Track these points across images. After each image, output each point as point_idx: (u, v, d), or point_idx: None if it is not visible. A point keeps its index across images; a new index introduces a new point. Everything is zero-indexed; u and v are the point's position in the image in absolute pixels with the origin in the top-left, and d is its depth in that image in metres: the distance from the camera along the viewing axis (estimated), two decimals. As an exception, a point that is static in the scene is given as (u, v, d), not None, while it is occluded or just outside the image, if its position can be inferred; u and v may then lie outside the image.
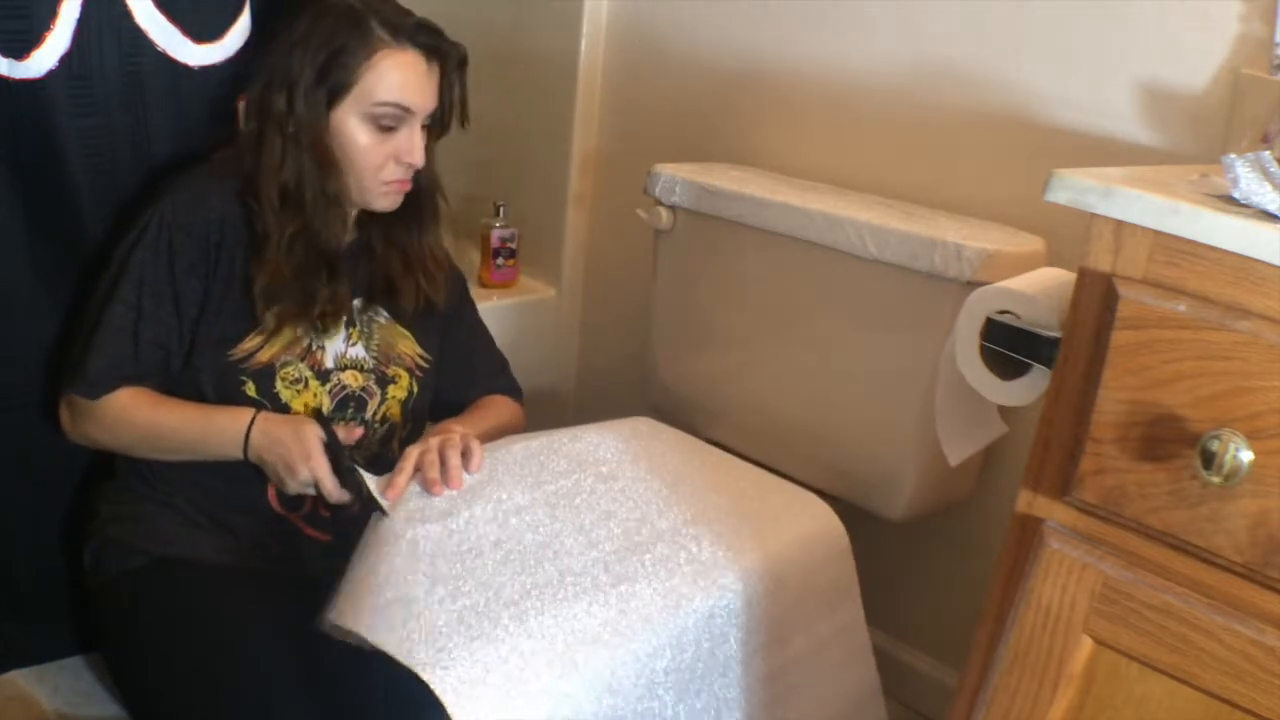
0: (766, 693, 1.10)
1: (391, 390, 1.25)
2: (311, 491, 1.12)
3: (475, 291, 1.88)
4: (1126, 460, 0.71)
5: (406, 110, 1.16)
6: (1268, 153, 0.70)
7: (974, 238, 1.18)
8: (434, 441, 1.13)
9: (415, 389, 1.27)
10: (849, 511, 1.36)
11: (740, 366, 1.44)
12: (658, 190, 1.46)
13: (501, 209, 1.88)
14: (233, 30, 1.25)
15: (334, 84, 1.15)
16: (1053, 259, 1.22)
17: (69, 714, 1.27)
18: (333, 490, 1.10)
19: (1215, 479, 0.65)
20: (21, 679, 1.31)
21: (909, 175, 1.43)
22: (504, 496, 1.10)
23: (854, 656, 1.23)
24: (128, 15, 1.16)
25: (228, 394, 1.16)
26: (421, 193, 1.26)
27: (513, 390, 1.41)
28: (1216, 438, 0.65)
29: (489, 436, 1.22)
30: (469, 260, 2.00)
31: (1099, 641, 0.75)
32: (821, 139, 1.52)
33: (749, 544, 1.09)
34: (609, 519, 1.10)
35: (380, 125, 1.16)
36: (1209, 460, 0.65)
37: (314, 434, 1.11)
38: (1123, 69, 1.21)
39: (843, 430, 1.33)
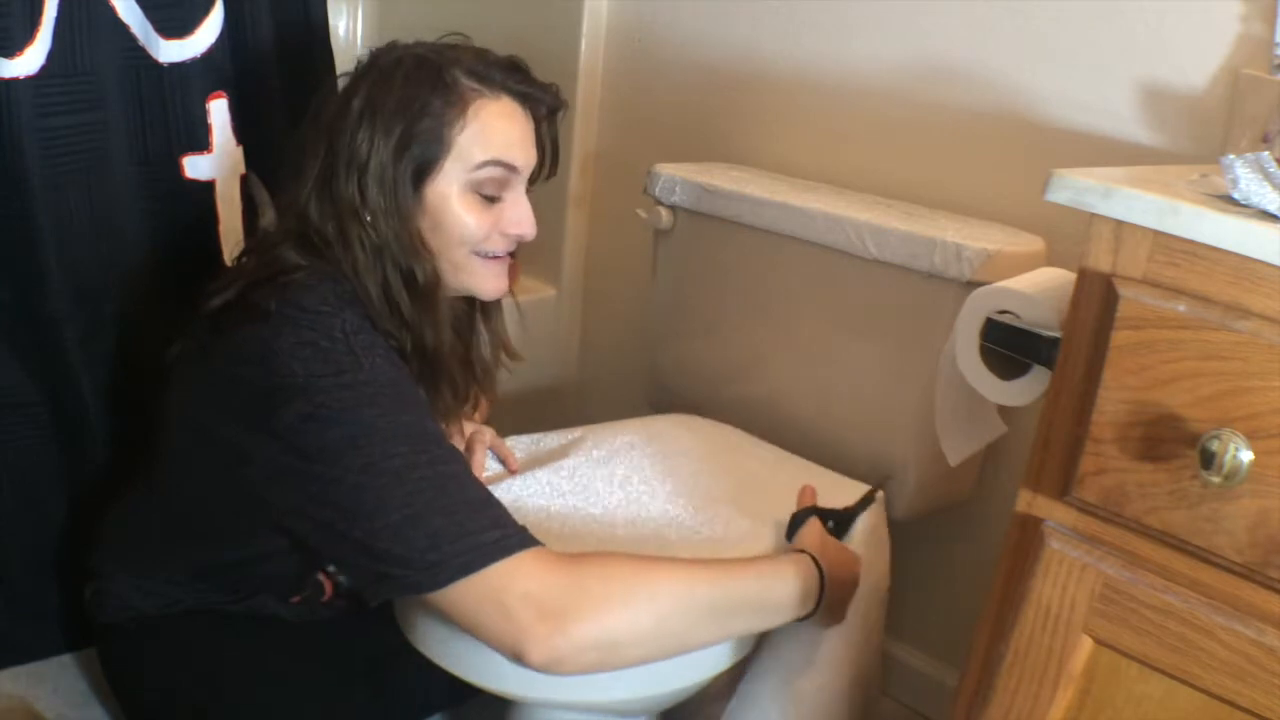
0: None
1: None
2: None
3: (475, 291, 1.89)
4: (1126, 460, 0.71)
5: (512, 169, 1.00)
6: (1267, 153, 0.70)
7: (974, 238, 1.18)
8: (468, 428, 1.13)
9: None
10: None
11: (740, 366, 1.44)
12: (658, 190, 1.46)
13: (501, 209, 1.88)
14: (204, 25, 1.24)
15: (420, 156, 0.95)
16: (1053, 259, 1.22)
17: (68, 714, 1.27)
18: None
19: (1215, 479, 0.65)
20: (21, 679, 1.31)
21: (909, 175, 1.43)
22: (521, 490, 1.11)
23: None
24: (109, 10, 1.16)
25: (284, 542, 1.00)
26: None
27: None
28: (1216, 438, 0.65)
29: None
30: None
31: (1099, 641, 0.75)
32: (821, 139, 1.52)
33: None
34: (632, 514, 1.11)
35: (483, 195, 0.99)
36: (1209, 460, 0.65)
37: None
38: (1123, 69, 1.21)
39: (842, 430, 1.33)
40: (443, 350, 1.01)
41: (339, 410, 0.86)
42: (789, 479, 1.23)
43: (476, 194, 0.99)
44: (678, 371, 1.53)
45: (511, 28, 1.91)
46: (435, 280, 0.99)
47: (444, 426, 1.02)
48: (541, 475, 1.15)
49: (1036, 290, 0.90)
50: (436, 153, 0.96)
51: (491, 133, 0.97)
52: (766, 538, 1.09)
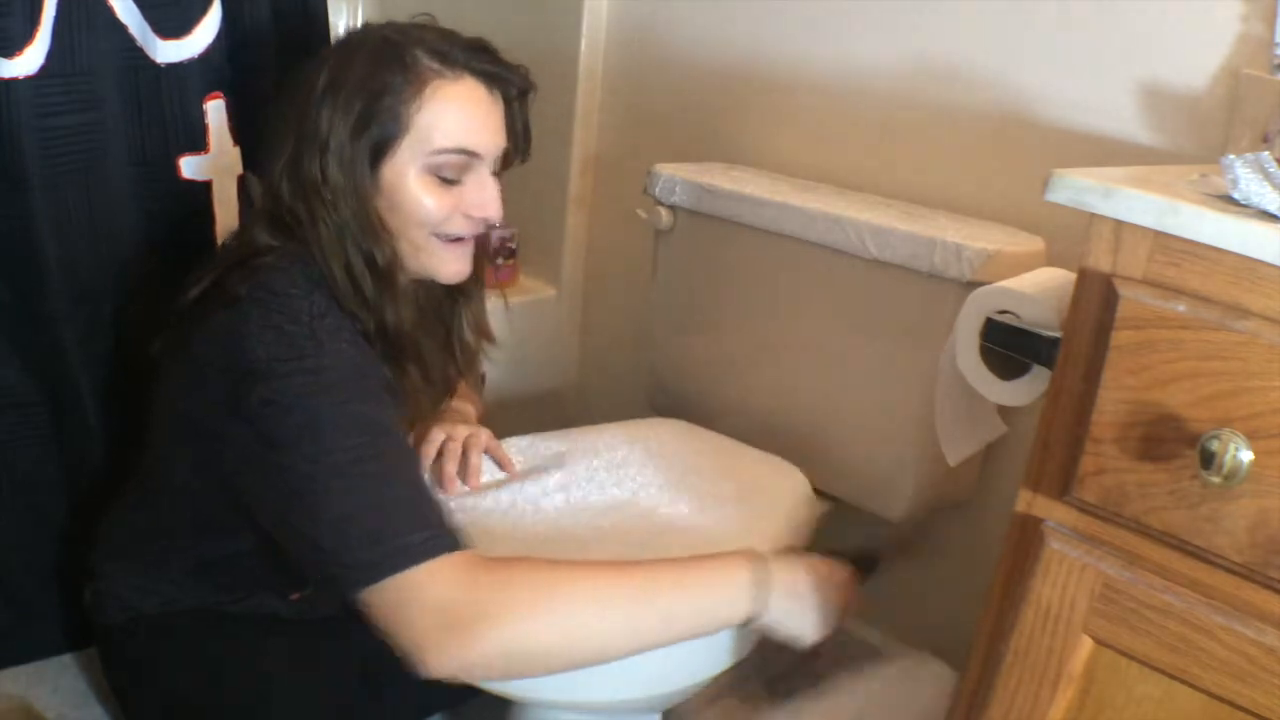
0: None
1: None
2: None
3: (475, 291, 1.89)
4: (1126, 460, 0.71)
5: (472, 155, 0.98)
6: (1267, 153, 0.70)
7: (974, 238, 1.18)
8: (460, 431, 1.12)
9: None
10: (849, 512, 1.36)
11: (740, 366, 1.44)
12: (658, 190, 1.46)
13: (501, 209, 1.88)
14: (202, 25, 1.24)
15: (378, 136, 0.95)
16: (1053, 259, 1.21)
17: (68, 714, 1.27)
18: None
19: (1215, 479, 0.65)
20: (21, 679, 1.31)
21: (909, 175, 1.43)
22: (518, 491, 1.11)
23: None
24: (107, 10, 1.16)
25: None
26: (476, 253, 1.07)
27: (482, 379, 1.37)
28: (1216, 438, 0.65)
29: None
30: (469, 260, 2.00)
31: (1099, 641, 0.75)
32: (822, 139, 1.52)
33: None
34: (623, 516, 1.11)
35: (442, 178, 0.97)
36: (1209, 460, 0.65)
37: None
38: (1123, 69, 1.21)
39: (842, 430, 1.33)
40: (404, 330, 0.99)
41: (296, 396, 0.86)
42: (771, 479, 1.24)
43: (435, 176, 0.97)
44: (678, 372, 1.53)
45: (511, 28, 1.91)
46: (394, 261, 0.98)
47: (414, 410, 1.02)
48: (528, 482, 1.15)
49: (1036, 290, 0.90)
50: (394, 132, 0.95)
51: (450, 115, 0.96)
52: (749, 536, 1.09)
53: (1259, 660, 0.67)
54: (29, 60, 1.11)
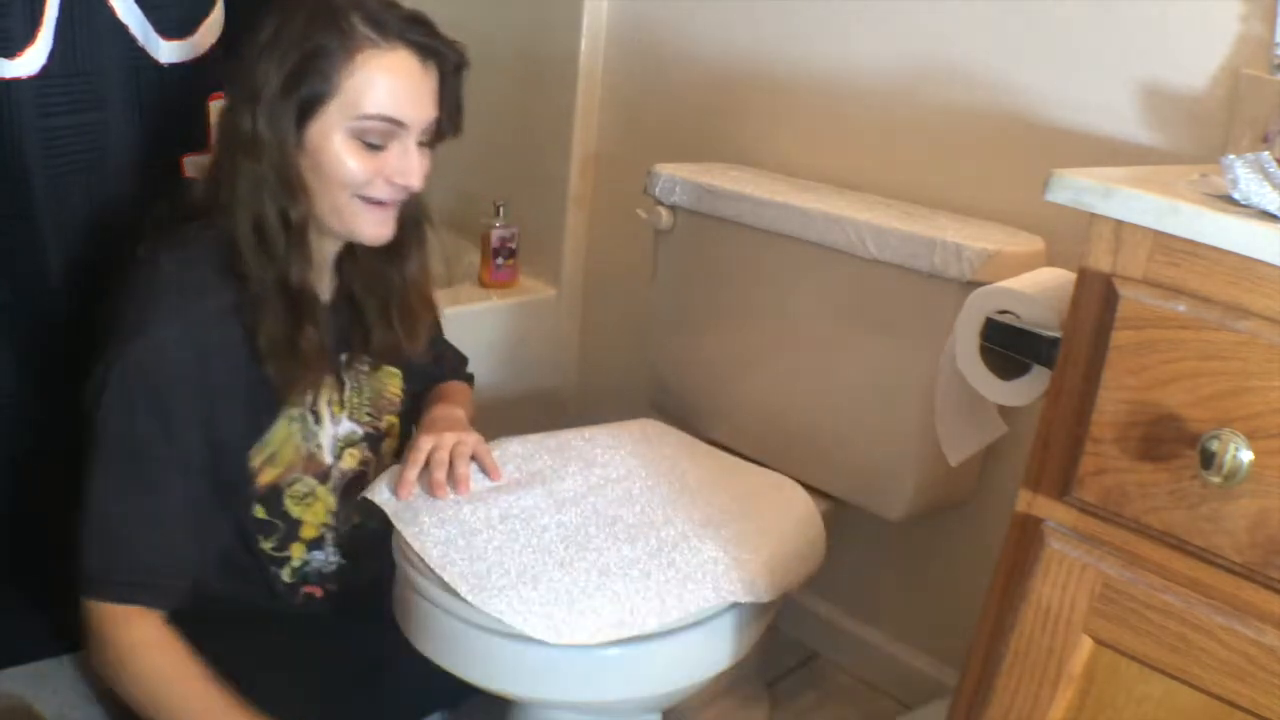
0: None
1: (385, 445, 1.21)
2: None
3: (475, 291, 1.90)
4: (1126, 460, 0.71)
5: (398, 124, 0.99)
6: (1267, 153, 0.70)
7: (974, 238, 1.18)
8: (447, 439, 1.12)
9: (403, 429, 1.23)
10: (849, 511, 1.36)
11: (740, 366, 1.44)
12: (658, 190, 1.46)
13: (501, 209, 1.88)
14: (205, 25, 1.24)
15: (307, 94, 0.96)
16: (1053, 259, 1.22)
17: (68, 714, 1.27)
18: None
19: (1215, 479, 0.65)
20: (21, 679, 1.31)
21: (909, 175, 1.43)
22: (512, 500, 1.11)
23: None
24: (109, 11, 1.16)
25: (237, 520, 1.08)
26: (406, 220, 1.10)
27: (469, 378, 1.39)
28: (1216, 438, 0.65)
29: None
30: (469, 260, 2.00)
31: (1099, 641, 0.75)
32: (821, 139, 1.52)
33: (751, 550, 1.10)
34: (615, 523, 1.10)
35: (366, 143, 0.99)
36: (1209, 460, 0.65)
37: None
38: (1123, 69, 1.21)
39: (843, 430, 1.33)
40: (308, 289, 1.02)
41: (104, 390, 0.97)
42: (740, 486, 1.24)
43: (359, 140, 0.99)
44: (677, 371, 1.53)
45: (511, 28, 1.91)
46: (307, 220, 1.01)
47: (312, 370, 1.05)
48: (520, 494, 1.14)
49: (1036, 290, 0.90)
50: (323, 93, 0.96)
51: (378, 83, 0.97)
52: (747, 555, 1.09)
53: (1259, 660, 0.67)
54: (30, 61, 1.11)
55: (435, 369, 1.33)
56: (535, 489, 1.14)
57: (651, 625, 0.98)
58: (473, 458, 1.14)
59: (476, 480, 1.13)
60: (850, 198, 1.37)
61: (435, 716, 1.34)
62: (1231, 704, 0.69)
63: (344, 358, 1.14)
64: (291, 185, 0.99)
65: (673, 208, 1.46)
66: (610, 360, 1.94)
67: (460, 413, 1.23)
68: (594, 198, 1.88)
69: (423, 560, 1.01)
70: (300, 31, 0.96)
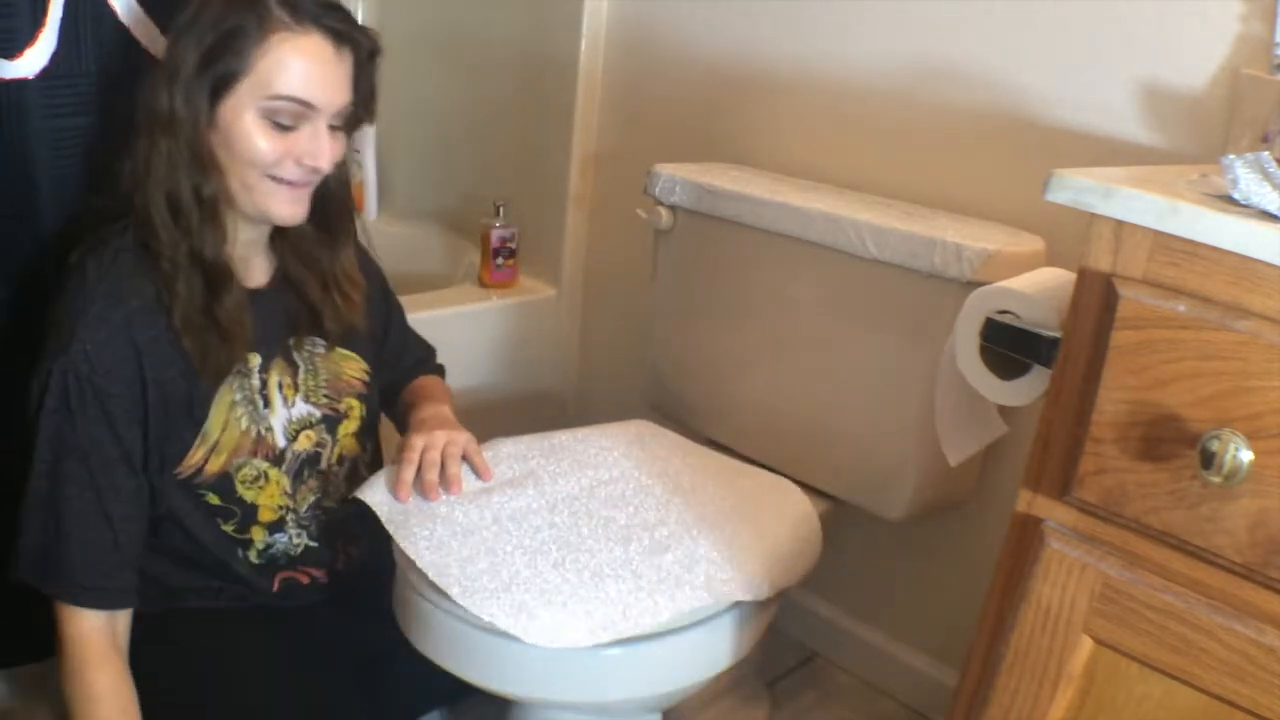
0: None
1: (343, 428, 1.19)
2: None
3: (475, 291, 1.90)
4: (1126, 460, 0.71)
5: (309, 106, 1.01)
6: (1267, 153, 0.70)
7: (974, 238, 1.18)
8: (439, 438, 1.14)
9: (365, 411, 1.22)
10: (849, 511, 1.36)
11: (740, 366, 1.44)
12: (658, 190, 1.46)
13: (501, 209, 1.88)
14: None
15: (221, 72, 0.98)
16: (1053, 259, 1.22)
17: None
18: None
19: (1215, 479, 0.65)
20: (21, 679, 1.31)
21: (909, 175, 1.43)
22: (504, 501, 1.11)
23: None
24: (110, 13, 1.16)
25: (189, 509, 1.08)
26: (331, 202, 1.12)
27: (441, 370, 1.41)
28: (1216, 438, 0.65)
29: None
30: (469, 260, 2.00)
31: (1099, 641, 0.75)
32: (821, 139, 1.52)
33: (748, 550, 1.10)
34: (608, 524, 1.10)
35: (277, 123, 1.01)
36: (1209, 460, 0.65)
37: None
38: (1123, 69, 1.21)
39: (843, 430, 1.33)
40: (221, 263, 1.04)
41: (46, 395, 0.99)
42: (734, 487, 1.23)
43: (270, 120, 1.00)
44: (677, 371, 1.53)
45: (511, 27, 1.91)
46: (219, 196, 1.03)
47: (234, 340, 1.06)
48: (512, 494, 1.14)
49: (1036, 290, 0.90)
50: (236, 71, 0.98)
51: (290, 66, 0.99)
52: (741, 556, 1.09)
53: (1259, 660, 0.67)
54: (30, 61, 1.11)
55: (403, 357, 1.34)
56: (528, 490, 1.14)
57: (646, 626, 0.98)
58: (464, 457, 1.15)
59: (469, 481, 1.13)
60: (850, 198, 1.37)
61: (434, 715, 1.34)
62: (1231, 704, 0.69)
63: (291, 340, 1.15)
64: (203, 161, 1.01)
65: (673, 208, 1.46)
66: (610, 360, 1.94)
67: (449, 412, 1.24)
68: (594, 198, 1.88)
69: (415, 565, 1.01)
70: (219, 12, 0.99)
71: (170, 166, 1.00)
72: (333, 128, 1.05)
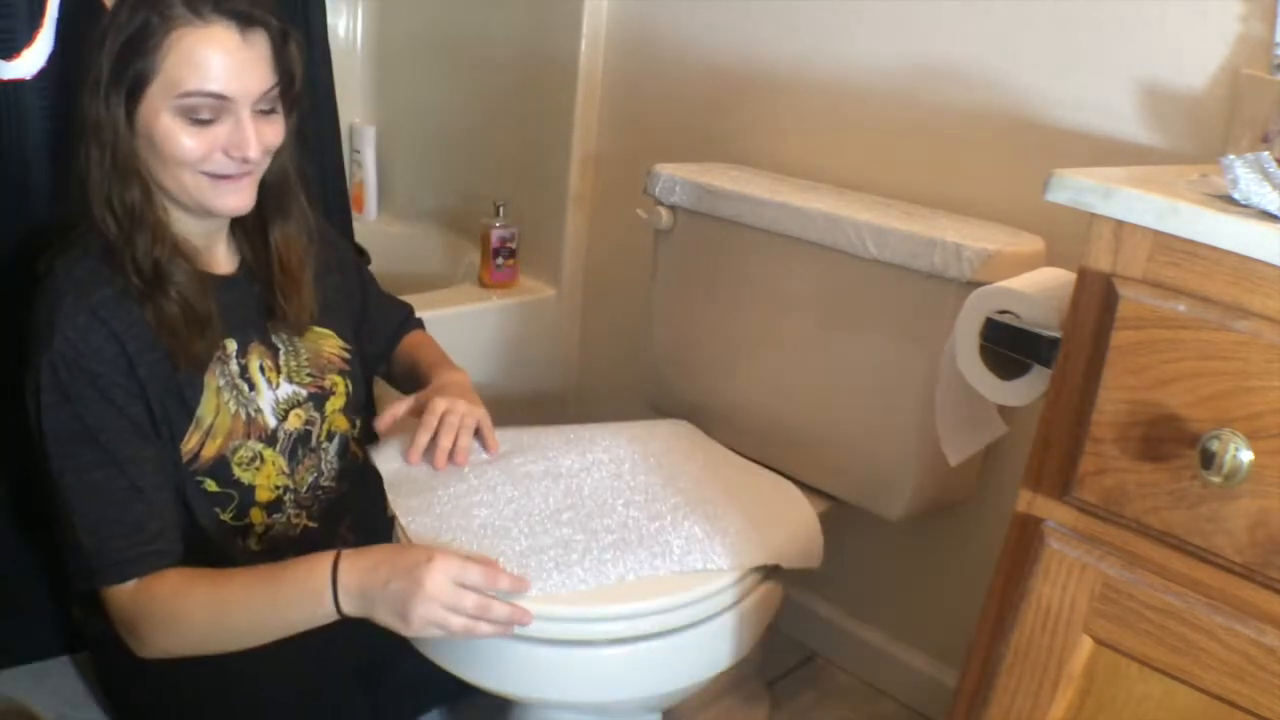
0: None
1: (330, 404, 1.20)
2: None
3: (475, 291, 1.90)
4: (1126, 460, 0.71)
5: (222, 98, 0.99)
6: (1267, 153, 0.70)
7: (974, 238, 1.18)
8: (460, 407, 1.17)
9: (350, 386, 1.23)
10: (849, 511, 1.36)
11: (740, 366, 1.44)
12: (658, 190, 1.46)
13: (501, 209, 1.88)
14: None
15: (133, 76, 0.98)
16: (1053, 259, 1.21)
17: (68, 714, 1.27)
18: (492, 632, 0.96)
19: (1215, 479, 0.65)
20: (21, 679, 1.31)
21: (909, 175, 1.43)
22: (510, 472, 1.14)
23: None
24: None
25: (191, 496, 1.09)
26: (269, 188, 1.11)
27: (421, 324, 1.42)
28: (1216, 438, 0.65)
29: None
30: (469, 260, 2.00)
31: (1099, 641, 0.75)
32: (821, 139, 1.52)
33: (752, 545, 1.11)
34: (615, 498, 1.13)
35: (196, 119, 0.99)
36: (1209, 460, 0.65)
37: (443, 577, 0.94)
38: (1123, 69, 1.21)
39: (842, 430, 1.33)
40: (163, 263, 1.03)
41: (40, 393, 0.99)
42: (747, 485, 1.25)
43: (187, 117, 0.99)
44: (677, 371, 1.53)
45: (511, 27, 1.91)
46: (144, 200, 1.02)
47: (196, 344, 1.06)
48: (496, 471, 1.17)
49: (1036, 290, 0.90)
50: (145, 73, 0.98)
51: (196, 60, 0.97)
52: (716, 546, 1.09)
53: (1259, 660, 0.67)
54: (28, 62, 1.11)
55: (387, 322, 1.36)
56: (538, 464, 1.17)
57: (640, 596, 0.99)
58: (476, 431, 1.18)
59: (474, 454, 1.17)
60: (850, 198, 1.37)
61: (434, 714, 1.34)
62: (1231, 704, 0.69)
63: (269, 324, 1.16)
64: (126, 167, 1.01)
65: (673, 208, 1.46)
66: (610, 360, 1.94)
67: (469, 383, 1.26)
68: (594, 198, 1.88)
69: (406, 535, 1.03)
70: (126, 16, 0.98)
71: (102, 174, 1.01)
72: (262, 112, 1.03)
